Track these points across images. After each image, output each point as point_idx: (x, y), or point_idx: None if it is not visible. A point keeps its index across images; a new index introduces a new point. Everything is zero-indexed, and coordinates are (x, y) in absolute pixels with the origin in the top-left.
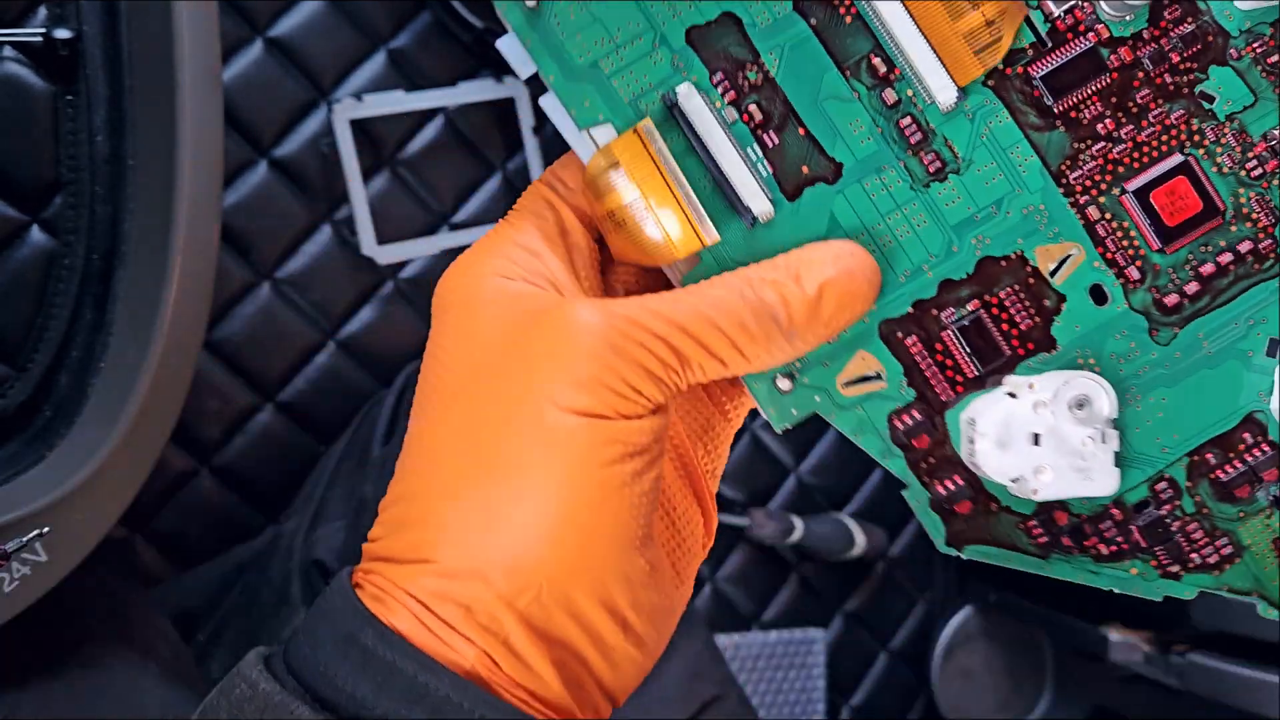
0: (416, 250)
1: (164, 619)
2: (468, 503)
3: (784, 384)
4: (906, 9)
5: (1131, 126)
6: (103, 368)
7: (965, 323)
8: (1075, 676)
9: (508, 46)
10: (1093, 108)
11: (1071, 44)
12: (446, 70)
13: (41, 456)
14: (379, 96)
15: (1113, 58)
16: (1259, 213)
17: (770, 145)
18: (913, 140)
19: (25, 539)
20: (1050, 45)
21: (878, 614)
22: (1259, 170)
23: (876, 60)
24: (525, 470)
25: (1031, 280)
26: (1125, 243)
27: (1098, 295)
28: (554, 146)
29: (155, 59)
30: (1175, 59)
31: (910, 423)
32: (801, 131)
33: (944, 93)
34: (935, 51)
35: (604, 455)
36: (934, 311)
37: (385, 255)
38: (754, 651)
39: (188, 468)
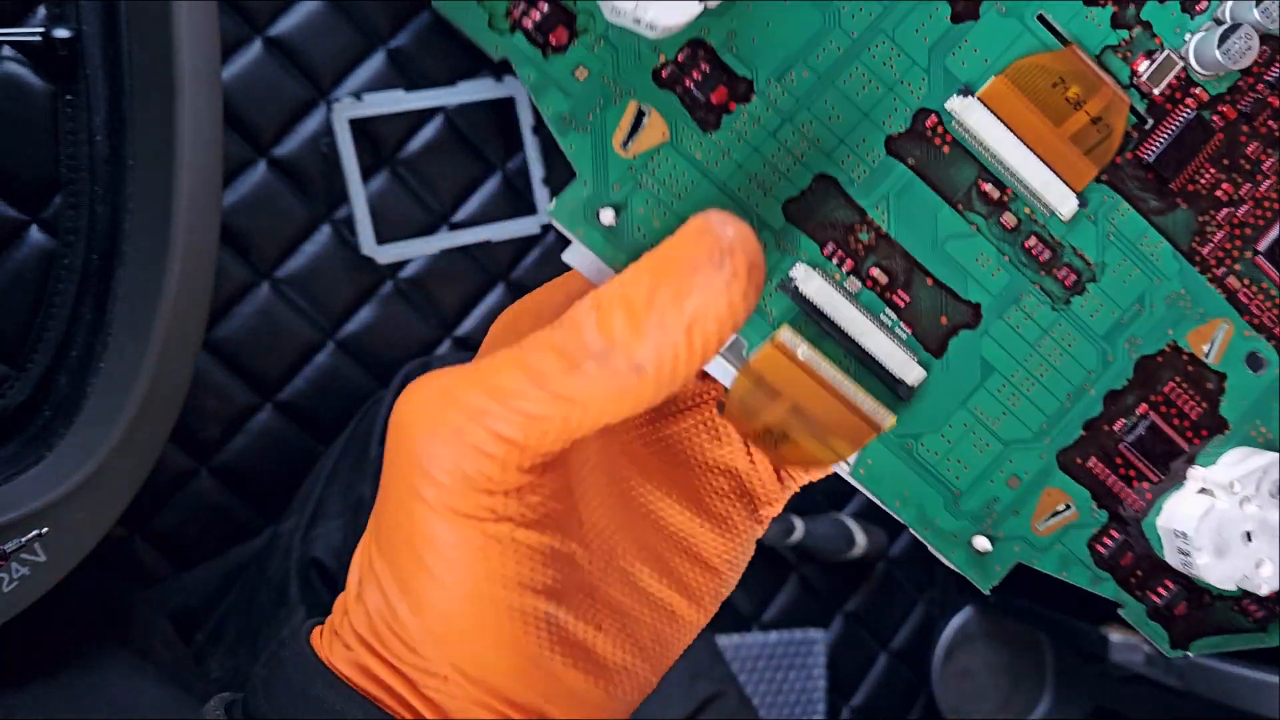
0: (416, 250)
1: (163, 619)
2: (393, 569)
3: (982, 544)
4: (1007, 126)
5: (1249, 184)
6: (102, 367)
7: (1141, 432)
8: (1076, 677)
9: (578, 258)
10: (1208, 175)
11: (1174, 115)
12: (446, 70)
13: (41, 456)
14: (378, 96)
15: (1215, 118)
16: None
17: (903, 305)
18: (1043, 259)
19: (24, 539)
20: (1153, 122)
21: (878, 614)
22: None
23: (987, 186)
24: (420, 563)
25: (1190, 368)
26: (1269, 304)
27: (1254, 363)
28: (554, 146)
29: (155, 58)
30: (1276, 102)
31: (1112, 544)
32: (930, 282)
33: (1065, 204)
34: (1046, 163)
35: (480, 543)
36: (1106, 428)
37: (385, 255)
38: (754, 652)
39: (187, 467)
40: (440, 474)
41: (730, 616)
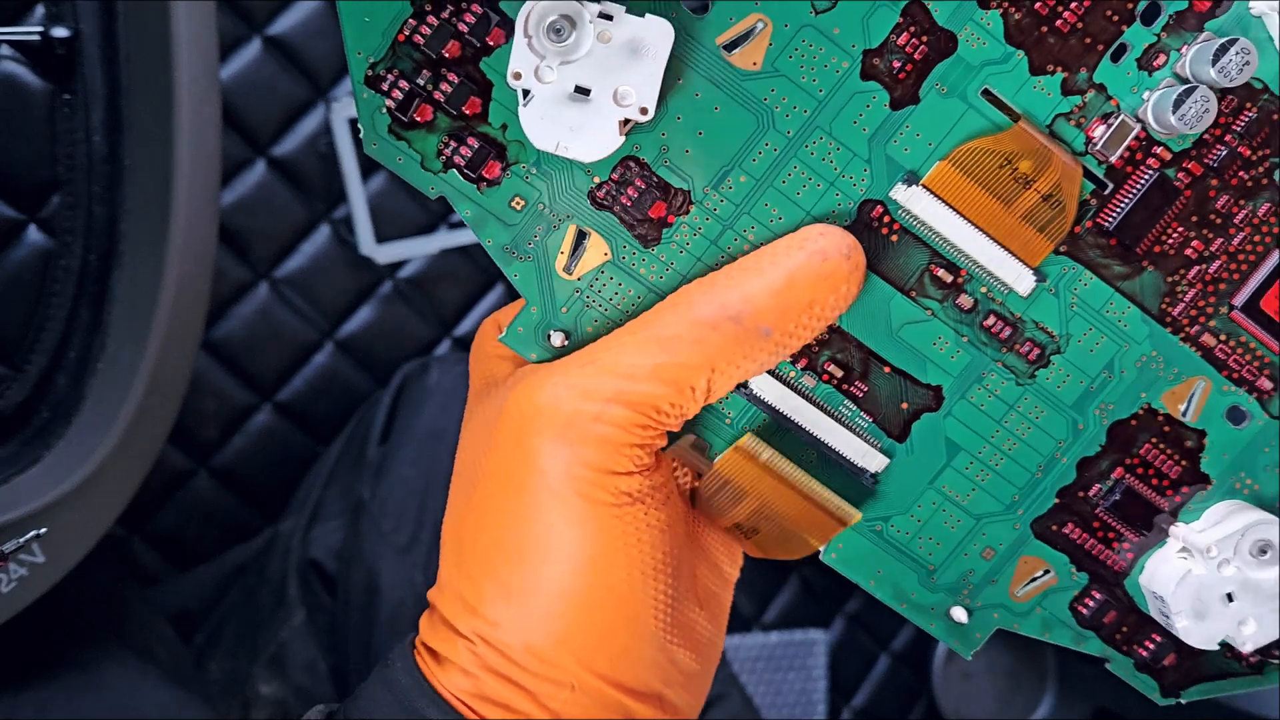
0: (415, 249)
1: (162, 620)
2: (499, 589)
3: (960, 615)
4: (955, 211)
5: (1220, 239)
6: (100, 368)
7: (1117, 496)
8: (1077, 678)
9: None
10: (1175, 235)
11: (1135, 178)
12: None
13: (39, 457)
14: None
15: (1180, 176)
16: None
17: (861, 395)
18: (1003, 336)
19: (22, 540)
20: (1113, 187)
21: (879, 615)
22: None
23: (939, 270)
24: (546, 557)
25: (1167, 428)
26: (1248, 357)
27: (1235, 417)
28: None
29: (153, 58)
30: (1246, 153)
31: (1093, 604)
32: (888, 370)
33: (1021, 281)
34: (999, 243)
35: (619, 530)
36: (1080, 494)
37: (384, 254)
38: (755, 653)
39: (185, 468)
40: (579, 467)
41: (731, 617)
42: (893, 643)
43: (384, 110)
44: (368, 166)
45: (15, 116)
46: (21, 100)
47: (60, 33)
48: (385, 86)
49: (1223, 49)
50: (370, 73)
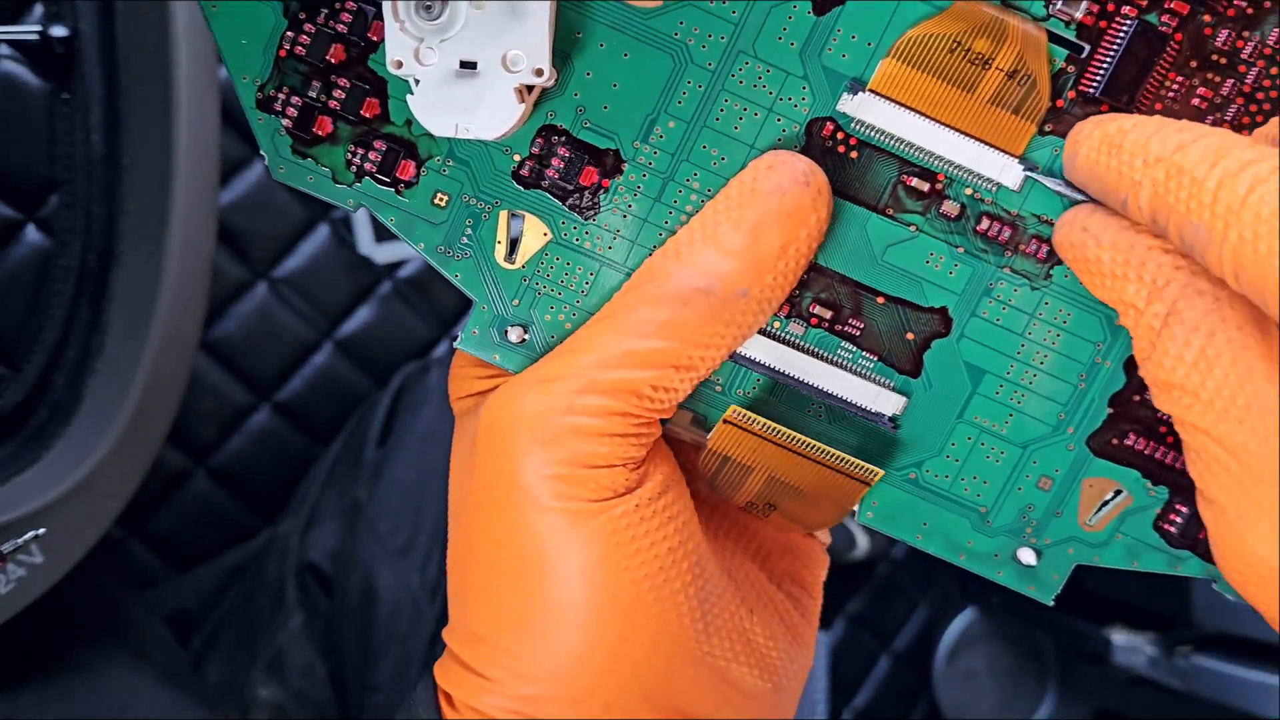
0: (414, 249)
1: (159, 621)
2: (507, 621)
3: (1028, 556)
4: (915, 110)
5: (1231, 80)
6: (98, 368)
7: None
8: (1078, 678)
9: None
10: (1175, 86)
11: (1111, 33)
12: None
13: (37, 457)
14: None
15: (1164, 19)
16: None
17: (859, 333)
18: (1003, 239)
19: (21, 540)
20: (1089, 49)
21: (880, 616)
22: None
23: (913, 180)
24: (542, 578)
25: None
26: None
27: None
28: None
29: (151, 57)
30: None
31: (1181, 520)
32: (881, 300)
33: (1008, 173)
34: (972, 135)
35: (609, 531)
36: (1136, 398)
37: (382, 254)
38: None
39: (184, 468)
40: (554, 466)
41: None
42: (894, 643)
43: (282, 131)
44: None
45: (14, 116)
46: (20, 100)
47: (59, 32)
48: (278, 107)
49: None
50: (260, 95)
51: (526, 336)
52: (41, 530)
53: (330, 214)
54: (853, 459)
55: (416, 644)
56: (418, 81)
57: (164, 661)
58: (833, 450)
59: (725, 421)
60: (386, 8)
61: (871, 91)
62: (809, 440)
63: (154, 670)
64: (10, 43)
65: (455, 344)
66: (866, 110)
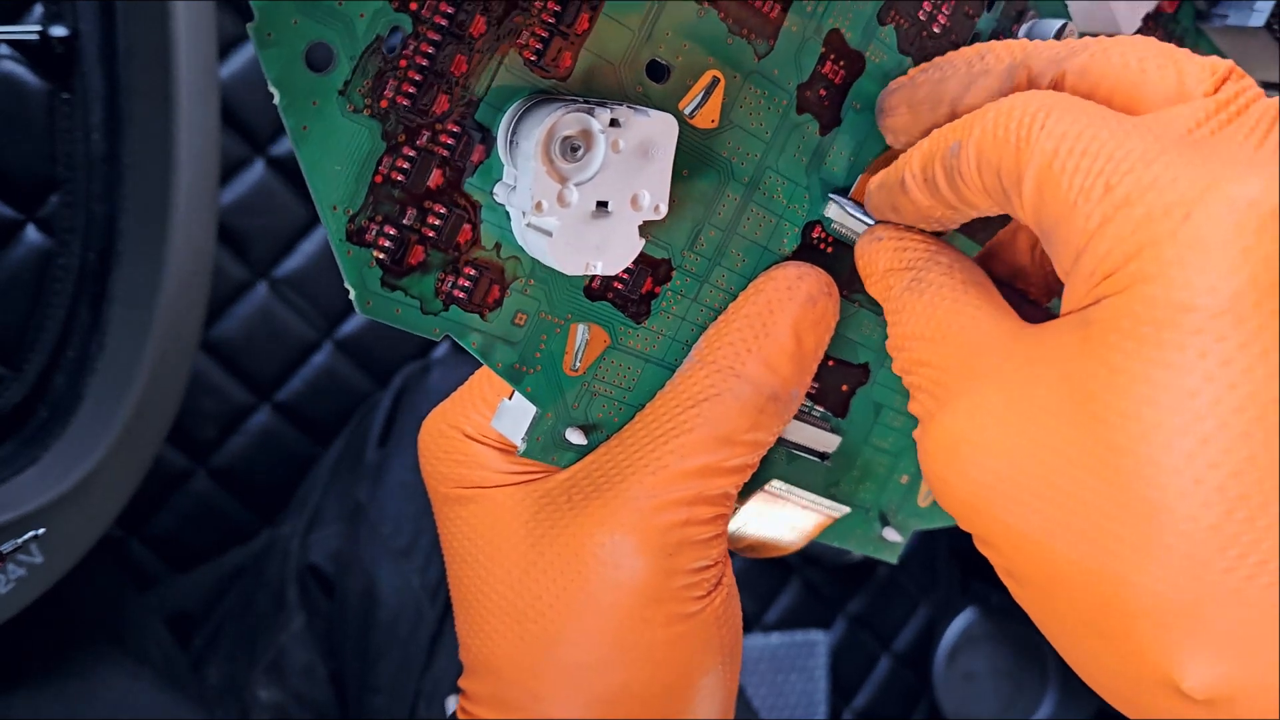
0: None
1: (158, 623)
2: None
3: (892, 535)
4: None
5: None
6: (98, 368)
7: None
8: (1079, 679)
9: (509, 426)
10: None
11: None
12: None
13: (37, 458)
14: None
15: None
16: None
17: (814, 391)
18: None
19: (20, 540)
20: None
21: (880, 616)
22: None
23: None
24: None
25: None
26: None
27: None
28: None
29: (151, 57)
30: None
31: None
32: (831, 363)
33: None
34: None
35: (715, 621)
36: None
37: None
38: (756, 654)
39: (184, 468)
40: (678, 575)
41: None
42: (894, 644)
43: (373, 264)
44: None
45: (14, 115)
46: (20, 99)
47: (59, 32)
48: (370, 236)
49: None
50: (351, 226)
51: (586, 440)
52: (41, 530)
53: None
54: (832, 505)
55: (417, 646)
56: (524, 213)
57: (160, 662)
58: (812, 496)
59: (764, 490)
60: (536, 149)
61: (851, 199)
62: (798, 490)
63: (153, 671)
64: (10, 43)
65: (520, 451)
66: (842, 214)
